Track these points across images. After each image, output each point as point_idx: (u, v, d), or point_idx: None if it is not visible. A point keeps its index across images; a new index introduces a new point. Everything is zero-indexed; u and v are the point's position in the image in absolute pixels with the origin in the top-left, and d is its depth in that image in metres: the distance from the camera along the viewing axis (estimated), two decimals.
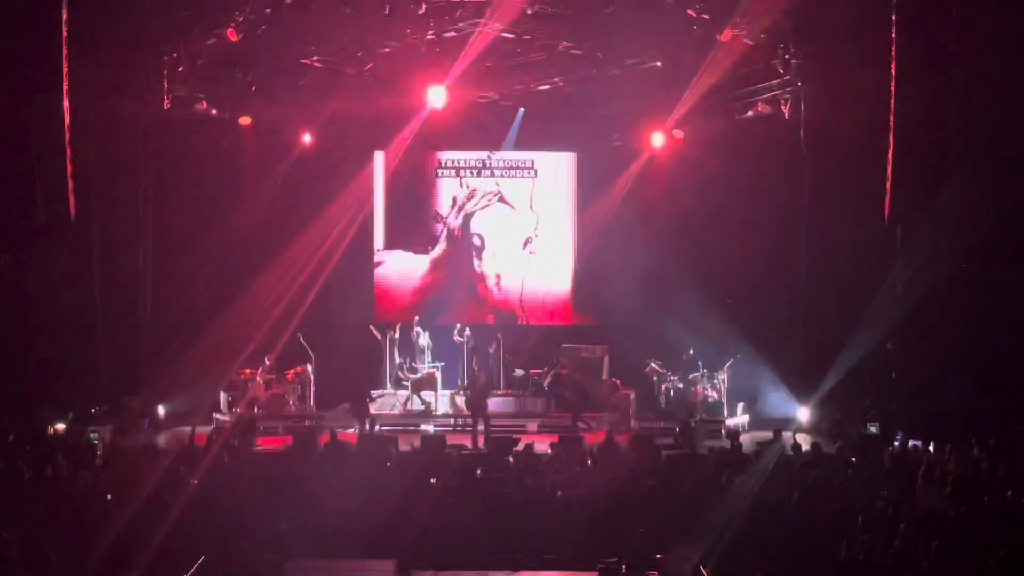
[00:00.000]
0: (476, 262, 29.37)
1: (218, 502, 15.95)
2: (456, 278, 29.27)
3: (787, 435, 20.40)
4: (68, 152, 20.79)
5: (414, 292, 29.16)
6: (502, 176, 29.10)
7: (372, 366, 26.91)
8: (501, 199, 29.22)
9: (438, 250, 29.30)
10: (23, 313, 23.20)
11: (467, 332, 26.97)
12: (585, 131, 28.53)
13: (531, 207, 29.16)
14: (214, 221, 26.52)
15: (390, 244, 29.17)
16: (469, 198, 29.24)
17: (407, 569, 14.95)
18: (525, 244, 29.24)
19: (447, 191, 29.25)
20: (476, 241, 29.33)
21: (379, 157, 28.80)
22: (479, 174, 29.22)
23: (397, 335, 26.86)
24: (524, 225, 29.28)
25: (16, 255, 22.98)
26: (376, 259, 29.09)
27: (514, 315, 29.23)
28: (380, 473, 17.96)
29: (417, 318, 27.31)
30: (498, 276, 29.34)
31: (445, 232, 29.29)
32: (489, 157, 29.15)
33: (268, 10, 23.88)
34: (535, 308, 29.22)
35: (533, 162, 29.03)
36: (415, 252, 29.22)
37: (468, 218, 29.35)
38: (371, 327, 27.19)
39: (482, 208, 29.27)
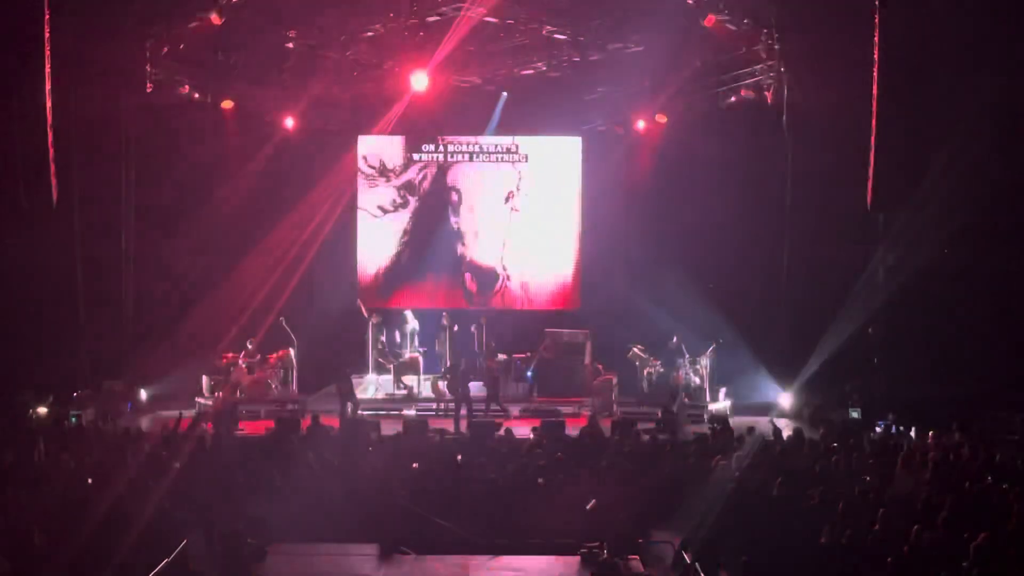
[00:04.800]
0: (453, 219, 28.87)
1: (200, 487, 15.94)
2: (432, 238, 28.74)
3: (764, 422, 20.59)
4: (50, 136, 20.64)
5: (392, 263, 28.84)
6: (486, 161, 28.88)
7: (355, 350, 26.81)
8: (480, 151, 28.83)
9: (411, 208, 28.84)
10: (4, 297, 23.11)
11: (445, 316, 26.86)
12: (569, 116, 28.46)
13: (511, 164, 28.73)
14: (196, 205, 26.47)
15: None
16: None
17: (389, 553, 14.96)
18: (507, 199, 28.89)
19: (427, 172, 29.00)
20: (453, 197, 28.84)
21: (362, 141, 28.69)
22: (461, 157, 28.96)
23: (379, 319, 26.80)
24: (505, 179, 28.81)
25: None
26: (358, 234, 28.79)
27: (494, 274, 28.81)
28: (362, 458, 17.99)
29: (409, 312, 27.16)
30: (476, 234, 28.90)
31: (416, 191, 28.77)
32: (473, 142, 28.91)
33: None
34: (517, 285, 28.79)
35: (518, 147, 28.87)
36: (384, 211, 28.77)
37: (443, 172, 28.90)
38: (359, 302, 27.13)
39: (457, 161, 28.86)
